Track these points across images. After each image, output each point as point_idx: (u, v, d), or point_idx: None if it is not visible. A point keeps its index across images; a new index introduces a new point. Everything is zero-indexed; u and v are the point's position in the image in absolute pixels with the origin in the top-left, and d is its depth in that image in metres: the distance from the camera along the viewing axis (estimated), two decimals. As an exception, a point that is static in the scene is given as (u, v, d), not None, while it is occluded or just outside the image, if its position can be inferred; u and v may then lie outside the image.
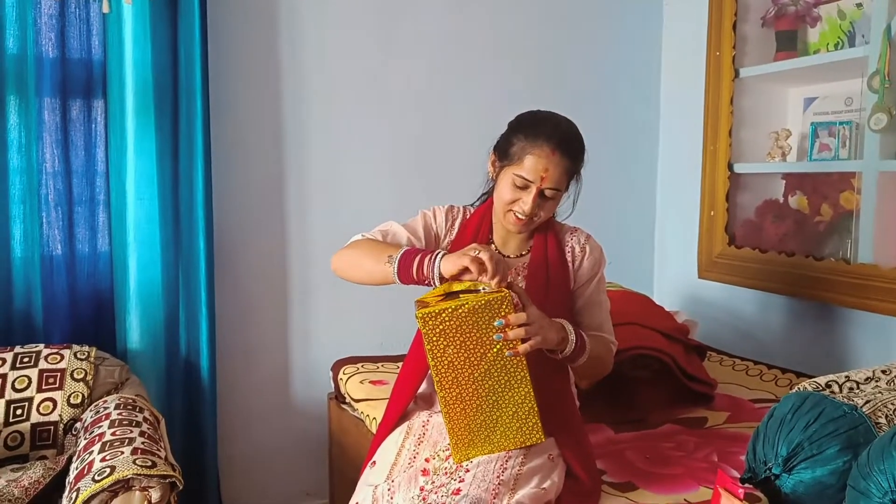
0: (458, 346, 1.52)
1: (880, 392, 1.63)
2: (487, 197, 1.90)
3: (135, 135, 2.44)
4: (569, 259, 1.83)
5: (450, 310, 1.50)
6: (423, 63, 2.97)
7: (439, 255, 1.61)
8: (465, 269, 1.56)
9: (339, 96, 2.85)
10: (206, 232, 2.53)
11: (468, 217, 1.88)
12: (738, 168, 2.94)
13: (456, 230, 1.86)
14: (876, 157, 2.43)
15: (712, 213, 3.02)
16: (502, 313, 1.51)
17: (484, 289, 1.55)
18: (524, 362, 1.54)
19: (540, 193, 1.69)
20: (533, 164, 1.67)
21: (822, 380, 1.70)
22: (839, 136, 2.65)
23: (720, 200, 2.98)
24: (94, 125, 2.48)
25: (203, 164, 2.51)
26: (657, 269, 3.44)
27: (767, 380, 2.56)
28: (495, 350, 1.52)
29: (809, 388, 1.67)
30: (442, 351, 1.52)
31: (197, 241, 2.53)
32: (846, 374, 1.73)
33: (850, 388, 1.68)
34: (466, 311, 1.50)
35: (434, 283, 1.62)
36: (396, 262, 1.65)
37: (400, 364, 2.56)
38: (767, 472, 1.54)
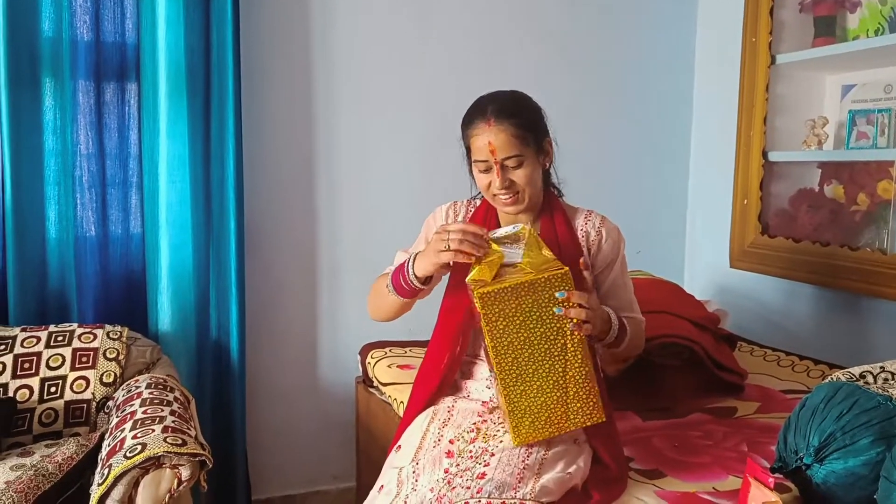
0: (518, 325, 1.50)
1: (916, 383, 1.60)
2: None
3: (167, 117, 2.46)
4: (582, 243, 1.82)
5: (509, 287, 1.49)
6: (455, 44, 2.95)
7: (411, 263, 1.68)
8: (445, 266, 1.63)
9: (371, 78, 2.85)
10: (236, 214, 2.55)
11: (473, 210, 1.88)
12: (773, 156, 2.89)
13: None
14: (915, 145, 2.39)
15: (745, 201, 2.98)
16: (563, 288, 1.50)
17: (518, 257, 1.55)
18: (584, 339, 1.53)
19: (501, 167, 1.69)
20: (477, 143, 1.70)
21: (855, 370, 1.67)
22: (878, 124, 2.60)
23: (754, 189, 2.94)
24: (127, 108, 2.50)
25: (234, 146, 2.52)
26: (688, 257, 3.41)
27: (799, 371, 2.53)
28: (556, 328, 1.51)
29: (843, 379, 1.65)
30: (502, 330, 1.50)
31: (228, 223, 2.55)
32: (881, 364, 1.70)
33: (885, 380, 1.66)
34: (527, 286, 1.48)
35: (415, 283, 1.69)
36: (392, 287, 1.74)
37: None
38: (798, 461, 1.52)
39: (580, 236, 1.82)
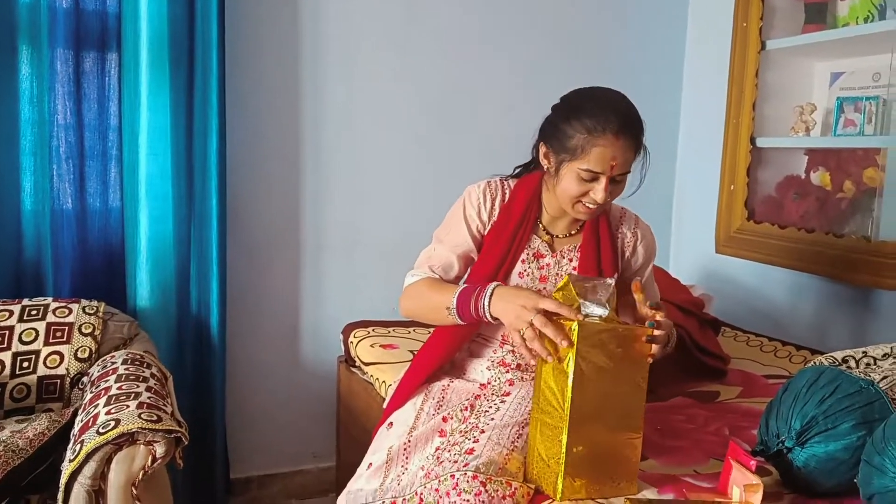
0: (597, 368, 1.46)
1: (899, 369, 1.59)
2: (527, 170, 1.85)
3: (148, 89, 2.40)
4: (618, 244, 1.80)
5: (609, 329, 1.46)
6: (446, 24, 2.91)
7: (488, 300, 1.59)
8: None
9: (361, 49, 2.80)
10: (218, 188, 2.50)
11: (508, 195, 1.80)
12: (761, 142, 2.88)
13: (497, 211, 1.78)
14: (903, 132, 2.38)
15: (732, 187, 2.97)
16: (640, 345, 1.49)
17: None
18: (643, 405, 1.51)
19: (611, 181, 1.63)
20: (599, 155, 1.58)
21: (838, 355, 1.67)
22: (865, 112, 2.59)
23: (741, 175, 2.92)
24: (107, 78, 2.44)
25: (217, 119, 2.48)
26: (674, 242, 3.40)
27: (781, 356, 2.53)
28: (620, 384, 1.48)
29: (826, 363, 1.64)
30: (588, 366, 1.45)
31: (210, 198, 2.51)
32: (863, 349, 1.70)
33: (867, 364, 1.65)
34: (621, 335, 1.47)
35: (489, 320, 1.61)
36: (455, 312, 1.65)
37: (412, 329, 2.57)
38: (780, 445, 1.51)
39: (618, 236, 1.81)
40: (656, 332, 1.49)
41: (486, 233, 1.78)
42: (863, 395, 1.48)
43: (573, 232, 1.80)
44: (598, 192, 1.61)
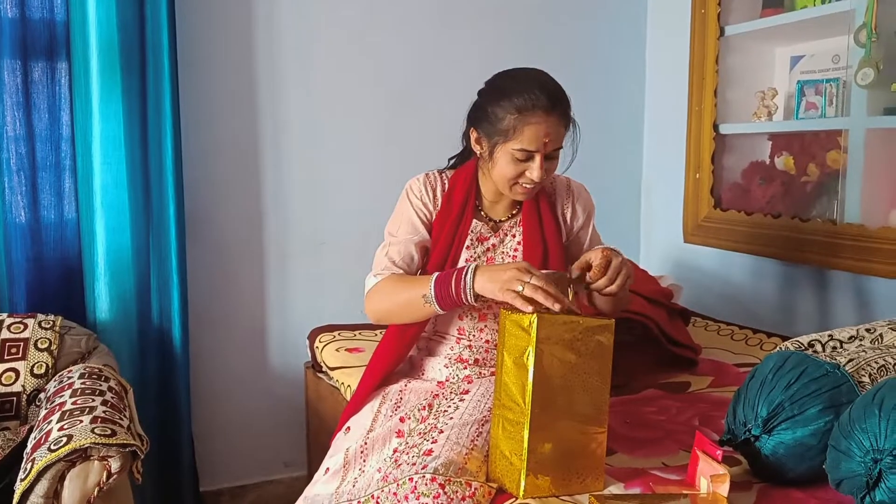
0: (559, 362, 1.43)
1: (864, 351, 1.57)
2: (462, 160, 1.84)
3: (100, 97, 2.36)
4: (558, 211, 1.79)
5: (569, 322, 1.44)
6: (406, 18, 2.87)
7: (470, 278, 1.56)
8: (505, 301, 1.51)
9: (318, 50, 2.76)
10: (176, 196, 2.46)
11: (448, 184, 1.79)
12: (724, 129, 2.87)
13: (440, 201, 1.77)
14: (863, 113, 2.37)
15: (697, 175, 2.95)
16: (606, 334, 1.47)
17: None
18: (607, 398, 1.48)
19: (544, 158, 1.62)
20: (532, 133, 1.58)
21: (804, 339, 1.65)
22: (826, 94, 2.58)
23: (706, 162, 2.91)
24: (58, 87, 2.40)
25: (172, 125, 2.43)
26: (643, 233, 3.38)
27: (752, 344, 2.51)
28: (582, 378, 1.45)
29: (791, 348, 1.62)
30: (549, 360, 1.42)
31: (167, 206, 2.46)
32: (829, 332, 1.68)
33: (834, 348, 1.63)
34: (582, 328, 1.44)
35: (469, 301, 1.57)
36: (433, 298, 1.60)
37: (377, 332, 2.53)
38: (747, 433, 1.49)
39: (556, 205, 1.80)
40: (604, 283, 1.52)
41: (433, 220, 1.76)
42: (829, 379, 1.46)
43: (514, 212, 1.80)
44: (534, 170, 1.61)
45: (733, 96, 2.87)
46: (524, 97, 1.58)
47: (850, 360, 1.52)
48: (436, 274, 1.63)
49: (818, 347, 1.63)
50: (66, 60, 2.39)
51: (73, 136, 2.40)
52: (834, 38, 2.58)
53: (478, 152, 1.72)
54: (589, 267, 1.56)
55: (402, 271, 1.73)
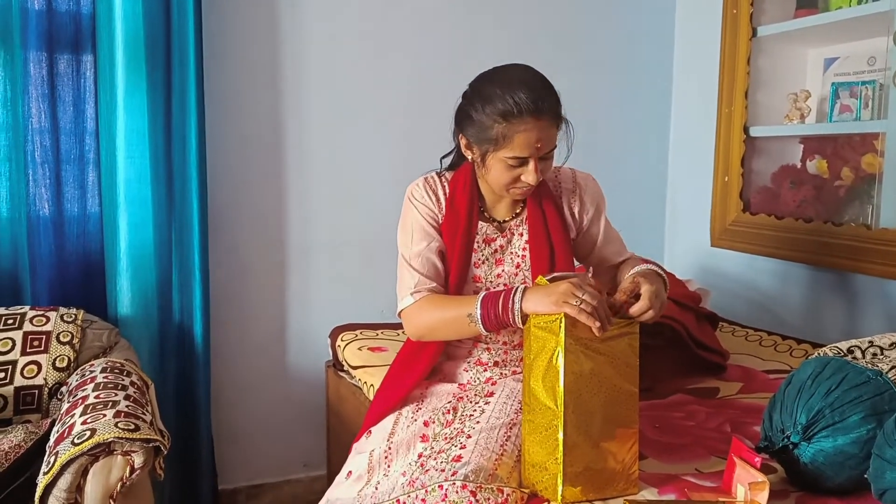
0: (589, 362, 1.41)
1: (906, 357, 1.53)
2: (457, 160, 1.78)
3: (125, 90, 2.34)
4: (563, 204, 1.74)
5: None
6: (429, 20, 2.85)
7: (519, 300, 1.51)
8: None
9: (342, 45, 2.73)
10: (199, 191, 2.44)
11: (449, 188, 1.74)
12: (754, 131, 2.82)
13: (443, 204, 1.72)
14: (901, 116, 2.32)
15: (726, 178, 2.91)
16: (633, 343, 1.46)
17: None
18: (636, 400, 1.45)
19: (539, 161, 1.58)
20: (523, 141, 1.54)
21: (843, 345, 1.61)
22: (861, 97, 2.53)
23: (735, 165, 2.87)
24: (83, 80, 2.38)
25: (196, 120, 2.41)
26: (668, 236, 3.33)
27: (782, 350, 2.47)
28: (611, 379, 1.43)
29: (830, 354, 1.58)
30: (579, 359, 1.40)
31: (190, 201, 2.44)
32: (869, 339, 1.64)
33: (874, 354, 1.59)
34: (609, 329, 1.42)
35: (516, 323, 1.52)
36: (478, 319, 1.55)
37: (399, 332, 2.50)
38: (785, 440, 1.44)
39: (562, 198, 1.75)
40: (638, 311, 1.46)
41: (441, 222, 1.72)
42: (871, 386, 1.42)
43: (517, 211, 1.75)
44: (529, 174, 1.58)
45: (764, 98, 2.83)
46: (509, 102, 1.52)
47: (893, 368, 1.48)
48: (482, 294, 1.58)
49: (858, 354, 1.59)
50: (91, 53, 2.38)
51: (98, 129, 2.38)
52: (870, 40, 2.54)
53: (469, 157, 1.67)
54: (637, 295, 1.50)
55: (434, 283, 1.68)
